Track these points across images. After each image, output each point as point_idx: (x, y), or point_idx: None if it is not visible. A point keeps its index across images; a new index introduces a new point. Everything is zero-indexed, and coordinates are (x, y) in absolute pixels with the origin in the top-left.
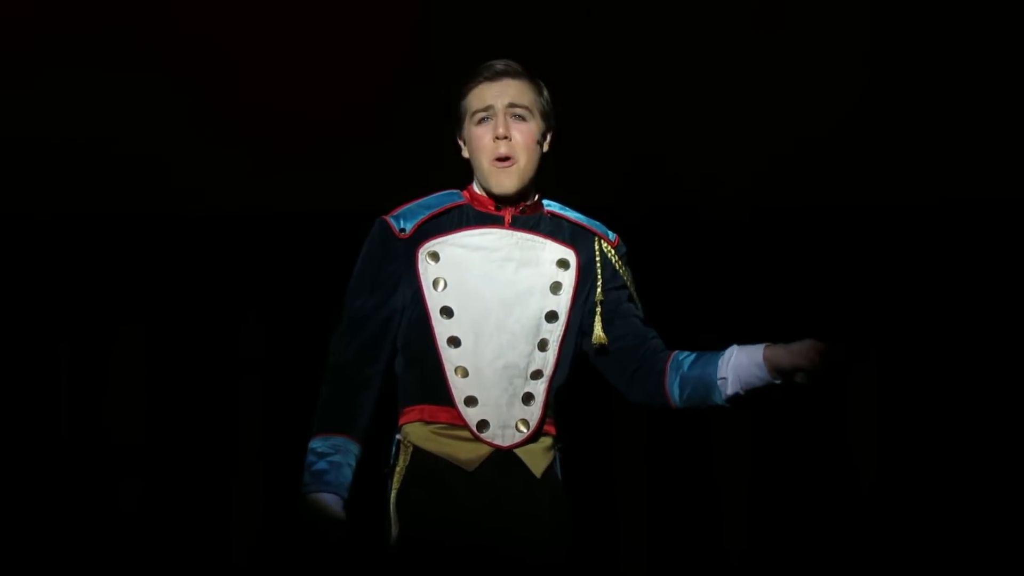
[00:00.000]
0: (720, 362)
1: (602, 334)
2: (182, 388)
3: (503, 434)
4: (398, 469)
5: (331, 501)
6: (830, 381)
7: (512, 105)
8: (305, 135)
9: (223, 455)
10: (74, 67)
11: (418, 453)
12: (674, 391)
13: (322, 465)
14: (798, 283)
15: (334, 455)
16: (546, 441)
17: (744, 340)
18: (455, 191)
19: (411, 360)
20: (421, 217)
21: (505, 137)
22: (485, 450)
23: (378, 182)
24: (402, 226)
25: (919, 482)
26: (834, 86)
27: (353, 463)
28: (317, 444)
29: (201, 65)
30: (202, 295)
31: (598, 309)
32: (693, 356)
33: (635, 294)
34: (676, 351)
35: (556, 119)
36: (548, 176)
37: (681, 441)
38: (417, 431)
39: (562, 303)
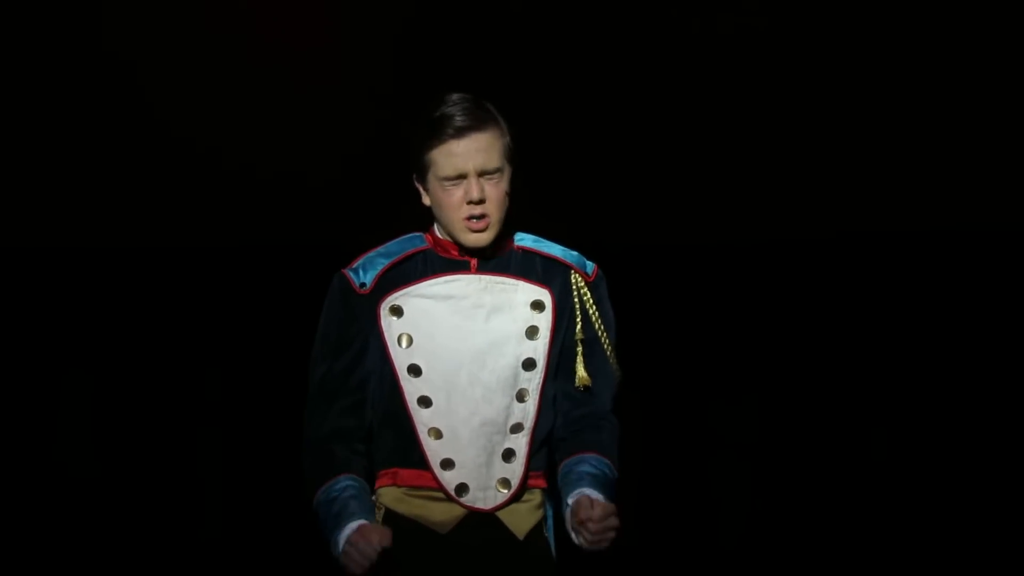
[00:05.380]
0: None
1: (585, 374)
2: (137, 427)
3: (484, 496)
4: None
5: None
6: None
7: (484, 171)
8: (268, 166)
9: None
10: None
11: (390, 516)
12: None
13: (337, 507)
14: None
15: (344, 492)
16: (534, 498)
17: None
18: (417, 234)
19: (383, 421)
20: (381, 267)
21: (481, 201)
22: (460, 511)
23: (344, 213)
24: (362, 280)
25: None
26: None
27: (369, 494)
28: (321, 495)
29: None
30: (162, 331)
31: (579, 349)
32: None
33: (606, 337)
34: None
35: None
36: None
37: (681, 496)
38: (390, 493)
39: (539, 348)
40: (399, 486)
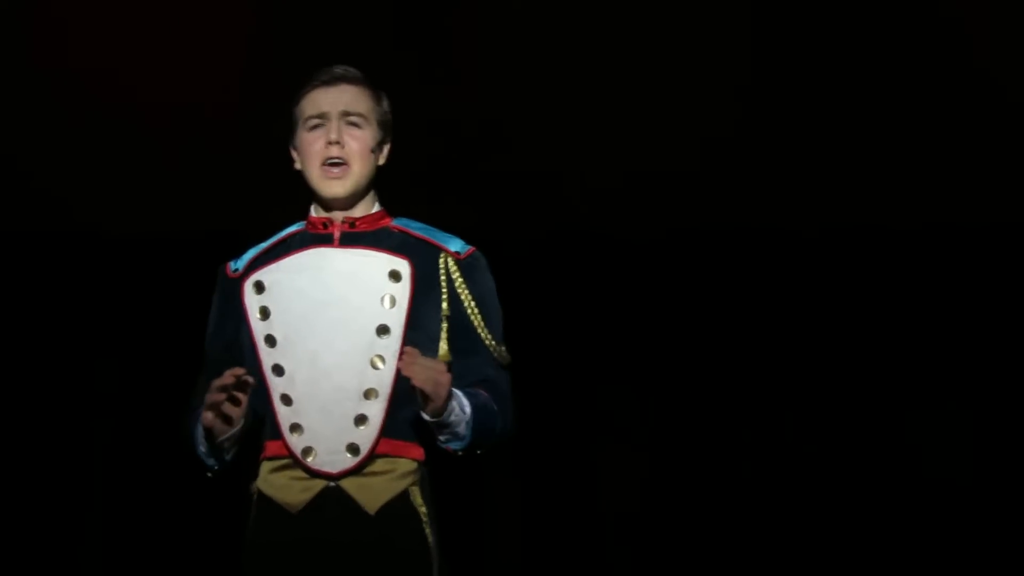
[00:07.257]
0: None
1: (446, 350)
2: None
3: (332, 460)
4: (249, 521)
5: None
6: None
7: (347, 113)
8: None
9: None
10: None
11: (260, 500)
12: None
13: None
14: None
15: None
16: (395, 468)
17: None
18: (301, 222)
19: (259, 397)
20: (253, 254)
21: (337, 142)
22: (313, 490)
23: (242, 201)
24: (235, 267)
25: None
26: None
27: None
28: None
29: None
30: (53, 322)
31: (444, 325)
32: None
33: (479, 315)
34: None
35: (394, 131)
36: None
37: (563, 473)
38: (261, 472)
39: (394, 317)
40: (267, 459)
